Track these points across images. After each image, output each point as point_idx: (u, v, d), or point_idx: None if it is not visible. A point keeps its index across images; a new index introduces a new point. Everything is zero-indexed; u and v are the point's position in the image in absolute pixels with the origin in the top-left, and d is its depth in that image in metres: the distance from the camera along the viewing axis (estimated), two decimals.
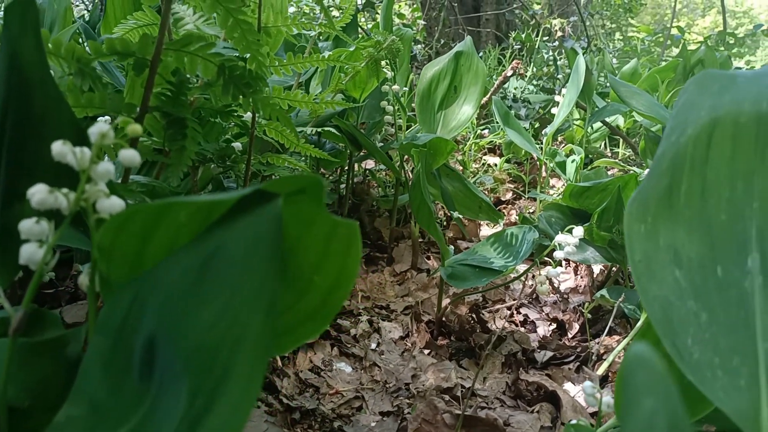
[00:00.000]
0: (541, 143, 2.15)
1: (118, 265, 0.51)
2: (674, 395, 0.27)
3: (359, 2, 3.30)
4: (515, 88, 2.64)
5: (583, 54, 2.62)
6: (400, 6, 6.32)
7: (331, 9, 3.60)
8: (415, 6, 5.61)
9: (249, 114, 0.99)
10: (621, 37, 8.23)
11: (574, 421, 0.68)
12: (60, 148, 0.49)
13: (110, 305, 0.50)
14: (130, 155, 0.49)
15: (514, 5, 4.55)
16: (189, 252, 0.45)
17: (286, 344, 0.59)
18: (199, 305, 0.43)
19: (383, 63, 1.52)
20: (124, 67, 1.05)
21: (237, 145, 1.12)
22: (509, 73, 2.09)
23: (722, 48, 6.26)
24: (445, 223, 1.97)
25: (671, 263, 0.56)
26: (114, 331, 0.50)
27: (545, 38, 3.23)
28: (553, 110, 2.10)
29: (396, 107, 1.70)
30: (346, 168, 1.78)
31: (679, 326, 0.53)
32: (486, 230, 2.02)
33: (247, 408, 0.41)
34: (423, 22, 4.58)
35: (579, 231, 1.01)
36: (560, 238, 1.02)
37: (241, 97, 0.76)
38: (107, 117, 0.86)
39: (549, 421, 1.04)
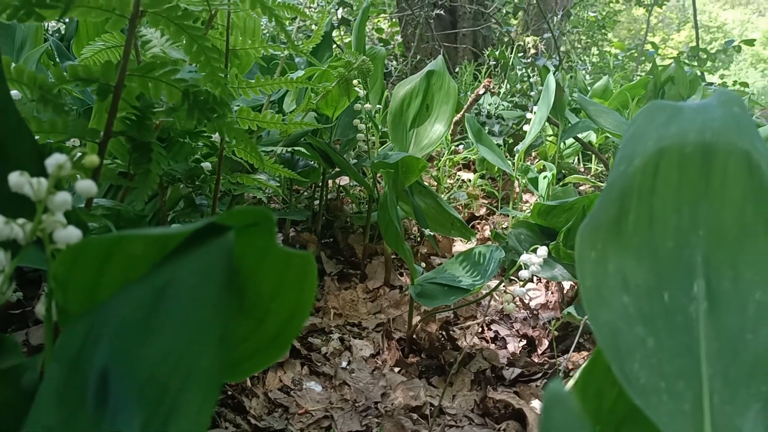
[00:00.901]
0: (515, 159, 2.18)
1: (73, 295, 0.51)
2: None
3: (335, 20, 3.32)
4: (489, 104, 2.68)
5: (556, 71, 2.67)
6: (378, 21, 6.37)
7: (308, 25, 3.63)
8: (393, 21, 5.66)
9: (218, 134, 1.00)
10: (597, 53, 8.36)
11: None
12: (17, 180, 0.49)
13: (66, 335, 0.50)
14: (86, 186, 0.50)
15: (491, 21, 4.61)
16: (142, 284, 0.46)
17: (245, 371, 0.60)
18: (150, 337, 0.44)
19: (355, 82, 1.53)
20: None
21: (206, 165, 1.12)
22: (481, 91, 2.12)
23: (695, 63, 6.39)
24: (419, 239, 1.98)
25: (620, 289, 0.57)
26: (69, 361, 0.50)
27: (520, 55, 3.28)
28: (525, 127, 2.13)
29: (369, 125, 1.72)
30: (321, 185, 1.78)
31: (626, 351, 0.55)
32: (460, 246, 2.03)
33: None
34: (399, 38, 4.62)
35: (543, 251, 1.03)
36: (525, 257, 1.03)
37: (205, 121, 0.77)
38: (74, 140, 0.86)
39: None
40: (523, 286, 1.13)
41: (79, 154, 0.52)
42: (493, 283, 1.39)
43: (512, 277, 1.10)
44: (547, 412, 0.29)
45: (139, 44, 0.92)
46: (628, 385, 0.54)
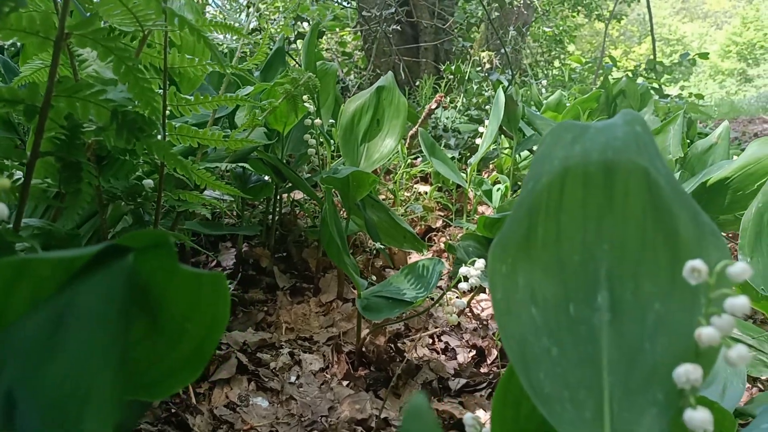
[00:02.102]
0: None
1: None
2: None
3: (292, 36, 3.34)
4: (447, 118, 2.72)
5: (509, 85, 2.72)
6: (343, 34, 6.41)
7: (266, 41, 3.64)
8: (357, 35, 5.70)
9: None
10: (559, 66, 8.54)
11: None
12: None
13: None
14: None
15: (452, 36, 4.68)
16: (46, 306, 0.46)
17: (164, 390, 0.60)
18: (52, 359, 0.44)
19: (305, 97, 1.55)
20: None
21: (148, 182, 1.12)
22: (434, 106, 2.15)
23: (652, 75, 6.56)
24: (374, 252, 2.00)
25: (528, 302, 0.59)
26: None
27: (478, 69, 3.34)
28: (478, 140, 2.17)
29: (321, 140, 1.73)
30: (273, 199, 1.79)
31: (532, 361, 0.57)
32: (416, 258, 2.05)
33: None
34: (359, 53, 4.65)
35: (480, 263, 1.05)
36: (464, 270, 1.06)
37: (135, 141, 0.77)
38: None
39: None
40: (473, 296, 1.15)
41: None
42: (450, 295, 1.42)
43: (454, 290, 1.13)
44: (406, 424, 0.31)
45: (76, 64, 0.92)
46: (533, 394, 0.56)
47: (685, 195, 0.58)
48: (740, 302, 0.48)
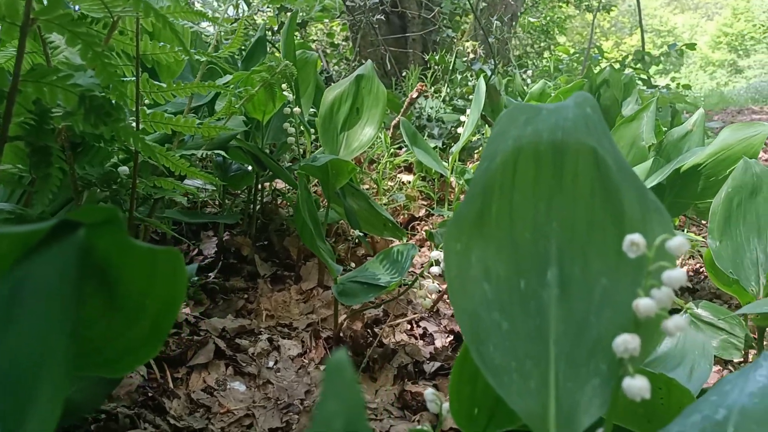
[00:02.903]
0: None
1: None
2: (358, 400, 0.31)
3: (276, 26, 3.33)
4: (431, 108, 2.73)
5: (493, 75, 2.74)
6: (334, 24, 6.40)
7: (249, 31, 3.63)
8: (344, 25, 5.70)
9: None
10: (548, 57, 8.56)
11: (418, 427, 0.73)
12: None
13: None
14: None
15: (440, 26, 4.68)
16: (3, 279, 0.47)
17: (125, 367, 0.61)
18: (8, 330, 0.45)
19: (284, 86, 1.56)
20: None
21: (123, 169, 1.13)
22: (415, 95, 2.17)
23: (640, 66, 6.58)
24: (356, 240, 2.01)
25: (481, 278, 0.61)
26: None
27: (465, 60, 3.35)
28: (460, 130, 2.18)
29: (301, 129, 1.74)
30: (254, 188, 1.80)
31: (483, 335, 0.59)
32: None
33: (51, 428, 0.44)
34: (345, 43, 4.66)
35: None
36: (435, 254, 1.07)
37: (102, 125, 0.78)
38: None
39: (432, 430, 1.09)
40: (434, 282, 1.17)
41: None
42: (426, 283, 1.44)
43: (427, 274, 1.14)
44: (327, 381, 0.32)
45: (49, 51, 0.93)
46: (483, 366, 0.58)
47: (631, 174, 0.60)
48: (677, 275, 0.50)
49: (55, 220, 0.46)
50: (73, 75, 0.76)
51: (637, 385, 0.50)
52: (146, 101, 1.05)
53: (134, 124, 1.00)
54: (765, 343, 1.67)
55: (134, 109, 0.99)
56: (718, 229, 1.23)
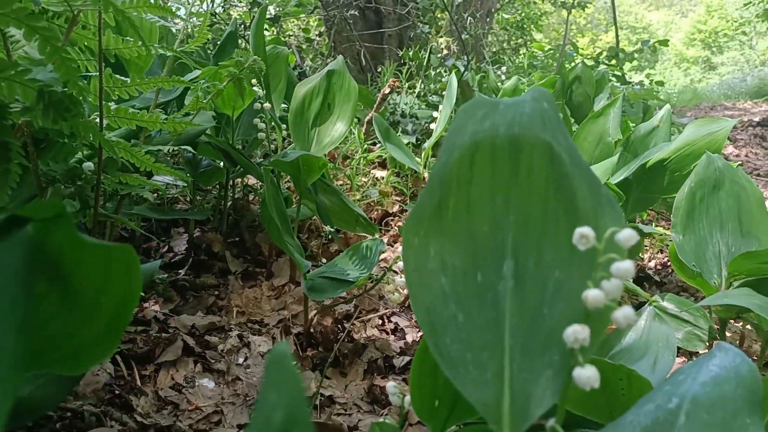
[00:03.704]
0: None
1: None
2: (299, 391, 0.32)
3: (248, 22, 3.31)
4: (406, 104, 2.74)
5: (466, 71, 2.75)
6: (311, 20, 6.38)
7: (220, 26, 3.61)
8: (319, 21, 5.67)
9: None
10: (525, 53, 8.61)
11: (381, 420, 0.73)
12: None
13: None
14: None
15: (416, 22, 4.69)
16: None
17: (79, 366, 0.61)
18: None
19: (254, 81, 1.55)
20: None
21: (88, 165, 1.12)
22: (387, 91, 2.17)
23: (613, 63, 6.65)
24: (330, 237, 2.01)
25: (439, 271, 0.62)
26: None
27: (440, 55, 3.36)
28: (433, 125, 2.19)
29: (272, 125, 1.74)
30: (225, 184, 1.79)
31: (440, 327, 0.59)
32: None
33: (2, 420, 0.43)
34: (318, 38, 4.64)
35: None
36: None
37: (62, 121, 0.78)
38: None
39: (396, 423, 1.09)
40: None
41: None
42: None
43: (395, 269, 1.15)
44: (268, 373, 0.32)
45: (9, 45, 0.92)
46: (440, 358, 0.59)
47: (585, 168, 0.61)
48: (625, 266, 0.51)
49: (2, 216, 0.45)
50: (32, 70, 0.75)
51: (586, 375, 0.51)
52: (114, 97, 1.04)
53: (98, 120, 0.99)
54: (729, 334, 1.70)
55: (98, 105, 0.98)
56: (682, 223, 1.25)
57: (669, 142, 1.54)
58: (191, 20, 1.29)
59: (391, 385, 0.72)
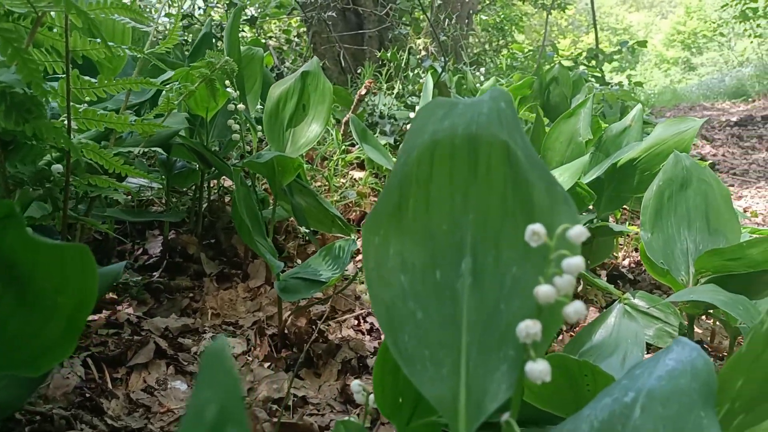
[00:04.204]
0: None
1: None
2: (234, 388, 0.32)
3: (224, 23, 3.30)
4: (384, 105, 2.74)
5: (443, 72, 2.76)
6: (292, 21, 6.37)
7: (197, 28, 3.59)
8: (300, 23, 5.67)
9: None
10: (505, 54, 8.66)
11: (346, 418, 0.73)
12: None
13: None
14: None
15: (393, 24, 4.70)
16: None
17: (40, 366, 0.61)
18: None
19: (228, 83, 1.55)
20: None
21: (57, 167, 1.11)
22: (363, 92, 2.18)
23: (592, 64, 6.71)
24: (307, 238, 2.01)
25: (398, 270, 0.62)
26: None
27: (419, 57, 3.37)
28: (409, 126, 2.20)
29: (247, 126, 1.73)
30: (200, 186, 1.78)
31: (398, 325, 0.60)
32: None
33: None
34: (296, 39, 4.64)
35: None
36: None
37: (24, 123, 0.77)
38: None
39: (369, 422, 1.10)
40: None
41: None
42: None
43: None
44: (202, 369, 0.33)
45: None
46: (398, 355, 0.59)
47: (541, 166, 0.62)
48: (575, 262, 0.52)
49: None
50: None
51: (537, 369, 0.52)
52: (84, 99, 1.04)
53: (66, 122, 0.99)
54: (700, 331, 1.73)
55: (65, 106, 0.98)
56: (650, 221, 1.27)
57: (640, 141, 1.56)
58: (164, 21, 1.28)
59: (355, 383, 0.72)
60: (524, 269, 0.60)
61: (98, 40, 1.01)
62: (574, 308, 0.52)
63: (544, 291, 0.52)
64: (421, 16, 5.29)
